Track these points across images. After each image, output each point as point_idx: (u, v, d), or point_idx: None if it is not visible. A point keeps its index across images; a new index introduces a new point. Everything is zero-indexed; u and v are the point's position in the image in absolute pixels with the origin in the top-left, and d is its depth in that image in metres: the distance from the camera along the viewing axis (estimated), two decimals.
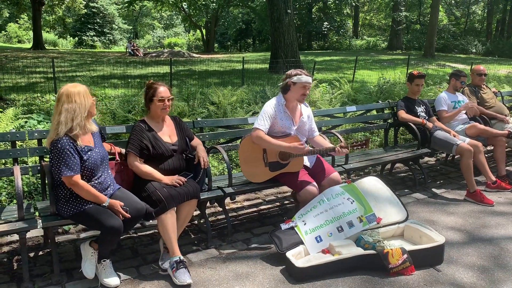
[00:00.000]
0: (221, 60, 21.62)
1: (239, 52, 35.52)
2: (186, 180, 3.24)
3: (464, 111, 5.37)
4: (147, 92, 3.30)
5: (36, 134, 3.29)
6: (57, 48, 34.00)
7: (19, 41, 38.78)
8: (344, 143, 3.58)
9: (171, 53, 23.61)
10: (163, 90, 3.27)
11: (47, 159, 3.40)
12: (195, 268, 3.26)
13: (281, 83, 3.76)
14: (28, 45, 31.68)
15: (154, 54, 23.87)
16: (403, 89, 8.10)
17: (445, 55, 27.83)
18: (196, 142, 3.58)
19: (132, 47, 24.32)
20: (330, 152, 3.62)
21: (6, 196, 4.02)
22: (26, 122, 5.53)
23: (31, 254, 3.33)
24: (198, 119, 4.08)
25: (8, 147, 3.69)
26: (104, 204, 2.83)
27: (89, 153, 2.86)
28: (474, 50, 30.91)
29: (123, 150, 3.33)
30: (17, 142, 3.32)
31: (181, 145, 3.41)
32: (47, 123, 5.71)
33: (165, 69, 15.05)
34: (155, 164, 3.24)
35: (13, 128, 4.77)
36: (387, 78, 9.57)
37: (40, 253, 3.38)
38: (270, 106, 3.68)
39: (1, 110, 5.23)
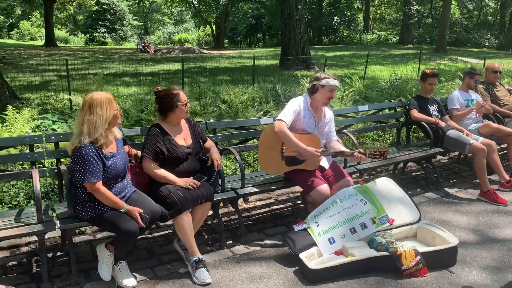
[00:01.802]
0: (231, 56, 21.62)
1: (249, 48, 35.49)
2: (200, 183, 3.28)
3: (475, 108, 5.33)
4: (166, 100, 3.28)
5: (53, 137, 3.35)
6: (68, 45, 34.24)
7: (32, 39, 39.14)
8: (362, 150, 3.61)
9: (182, 50, 23.69)
10: (183, 95, 3.32)
11: (63, 161, 3.48)
12: (209, 269, 3.29)
13: (309, 85, 3.83)
14: (41, 42, 31.97)
15: (165, 51, 23.96)
16: (415, 86, 8.05)
17: (457, 49, 27.50)
18: (210, 143, 3.62)
19: (143, 44, 24.41)
20: (348, 156, 3.65)
21: (24, 196, 4.10)
22: (41, 122, 5.62)
23: (49, 255, 3.40)
24: (211, 120, 4.12)
25: (26, 149, 3.75)
26: (121, 210, 2.89)
27: (112, 159, 2.91)
28: (487, 44, 30.49)
29: (139, 153, 3.38)
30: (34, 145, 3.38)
31: (196, 147, 3.45)
32: (61, 123, 5.80)
33: (176, 66, 15.11)
34: (170, 167, 3.28)
35: (30, 129, 4.86)
36: (398, 75, 9.50)
37: (58, 253, 3.46)
38: (296, 102, 3.74)
39: (17, 110, 5.31)
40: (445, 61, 18.11)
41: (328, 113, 3.93)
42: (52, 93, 8.98)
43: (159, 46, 30.11)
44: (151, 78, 11.67)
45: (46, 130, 5.39)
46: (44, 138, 3.35)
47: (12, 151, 3.96)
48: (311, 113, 3.77)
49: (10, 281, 3.03)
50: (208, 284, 3.07)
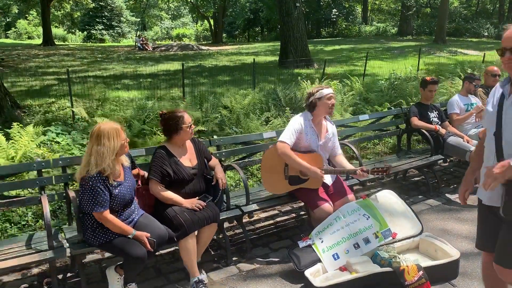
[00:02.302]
0: (230, 52, 21.61)
1: (247, 42, 35.38)
2: (206, 204, 3.35)
3: (475, 113, 5.38)
4: (171, 123, 3.34)
5: (60, 162, 3.41)
6: (66, 43, 34.20)
7: (29, 37, 39.06)
8: (365, 168, 3.66)
9: (180, 47, 23.65)
10: (187, 117, 3.37)
11: (71, 185, 3.53)
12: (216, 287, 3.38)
13: (306, 103, 3.87)
14: (38, 41, 31.92)
15: (163, 48, 23.92)
16: (415, 88, 8.09)
17: (457, 39, 27.45)
18: (214, 162, 3.68)
19: (141, 42, 24.35)
20: (351, 173, 3.71)
21: (32, 215, 4.17)
22: (45, 135, 5.67)
23: (60, 276, 3.47)
24: (215, 137, 4.16)
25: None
26: (129, 236, 2.95)
27: (119, 188, 2.97)
28: (486, 34, 30.40)
29: (146, 174, 3.43)
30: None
31: (201, 167, 3.51)
32: (65, 135, 5.86)
33: (175, 65, 15.13)
34: (176, 189, 3.34)
35: (36, 145, 4.92)
36: (398, 74, 9.54)
37: (68, 274, 3.52)
38: (297, 122, 3.78)
39: (21, 125, 5.36)
40: (444, 54, 18.11)
41: (330, 128, 3.97)
42: (54, 99, 9.02)
43: (157, 43, 30.06)
44: (151, 80, 11.70)
45: (51, 144, 5.45)
46: (51, 163, 3.40)
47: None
48: (313, 130, 3.82)
49: None
50: None
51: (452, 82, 8.74)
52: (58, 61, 16.97)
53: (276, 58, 16.01)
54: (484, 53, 13.09)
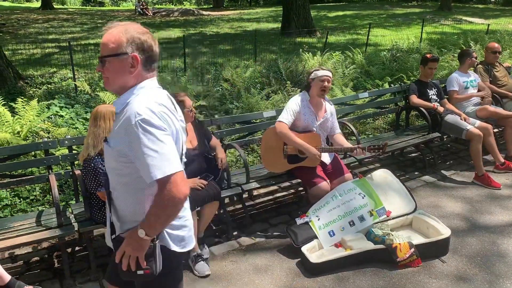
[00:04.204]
0: (231, 18, 21.28)
1: (249, 7, 34.67)
2: (207, 183, 3.48)
3: (477, 96, 5.45)
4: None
5: (66, 142, 3.52)
6: (65, 6, 33.59)
7: (27, 0, 38.30)
8: (362, 146, 3.76)
9: (181, 12, 23.28)
10: (188, 101, 3.45)
11: (77, 164, 3.66)
12: (217, 261, 3.56)
13: (305, 83, 3.95)
14: (37, 4, 31.34)
15: (164, 13, 23.54)
16: (417, 61, 8.07)
17: (463, 5, 26.92)
18: (215, 142, 3.78)
19: (141, 6, 23.94)
20: (349, 152, 3.82)
21: (40, 191, 4.32)
22: (48, 108, 5.76)
23: (69, 250, 3.65)
24: (216, 117, 4.25)
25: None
26: None
27: None
28: (492, 0, 29.76)
29: None
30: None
31: (201, 147, 3.61)
32: (68, 109, 5.95)
33: (176, 32, 15.00)
34: None
35: (41, 121, 5.02)
36: (400, 45, 9.48)
37: (77, 248, 3.70)
38: (295, 102, 3.88)
39: (26, 99, 5.44)
40: (449, 22, 17.85)
41: (329, 108, 4.05)
42: (55, 69, 9.04)
43: (157, 7, 29.53)
44: None
45: (55, 118, 5.54)
46: (58, 143, 3.51)
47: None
48: (311, 110, 3.90)
49: (35, 278, 3.29)
50: (208, 275, 3.35)
51: (453, 55, 8.71)
52: (58, 27, 16.80)
53: (278, 25, 15.81)
54: (489, 24, 12.91)
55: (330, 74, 3.88)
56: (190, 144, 3.55)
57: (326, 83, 3.84)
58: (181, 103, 3.41)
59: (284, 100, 6.22)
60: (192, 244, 1.95)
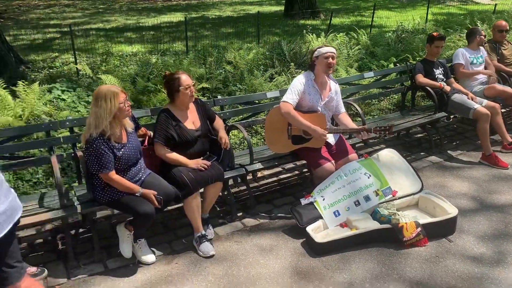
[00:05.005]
0: (234, 2, 21.02)
1: None
2: (210, 163, 3.43)
3: (483, 74, 5.34)
4: (170, 84, 3.39)
5: (67, 123, 3.47)
6: None
7: None
8: (367, 127, 3.70)
9: None
10: (185, 78, 3.38)
11: (78, 145, 3.62)
12: (222, 242, 3.53)
13: (309, 62, 3.89)
14: None
15: None
16: (422, 41, 7.94)
17: None
18: (218, 124, 3.72)
19: None
20: (353, 133, 3.75)
21: (43, 173, 4.30)
22: (50, 92, 5.71)
23: (72, 232, 3.63)
24: (219, 97, 4.19)
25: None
26: (137, 194, 3.06)
27: (122, 150, 3.04)
28: None
29: (152, 134, 3.50)
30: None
31: (204, 128, 3.56)
32: (70, 92, 5.90)
33: (178, 16, 14.83)
34: (181, 150, 3.42)
35: (43, 103, 4.97)
36: (406, 26, 9.33)
37: (80, 230, 3.69)
38: (299, 82, 3.81)
39: (27, 82, 5.39)
40: (455, 3, 17.56)
41: (333, 86, 3.98)
42: (57, 54, 8.97)
43: None
44: (154, 33, 11.52)
45: (57, 101, 5.50)
46: (59, 125, 3.47)
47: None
48: (316, 89, 3.83)
49: (39, 260, 3.28)
50: (212, 256, 3.33)
51: (460, 35, 8.55)
52: (59, 12, 16.66)
53: (282, 8, 15.62)
54: (496, 4, 12.67)
55: (334, 50, 3.80)
56: (193, 125, 3.49)
57: (331, 60, 3.76)
58: (176, 80, 3.35)
59: (287, 82, 6.14)
60: (4, 231, 2.00)
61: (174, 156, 3.37)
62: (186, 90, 3.37)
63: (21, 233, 3.63)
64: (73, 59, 7.44)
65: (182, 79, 3.36)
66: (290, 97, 3.71)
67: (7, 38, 8.21)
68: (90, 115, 2.95)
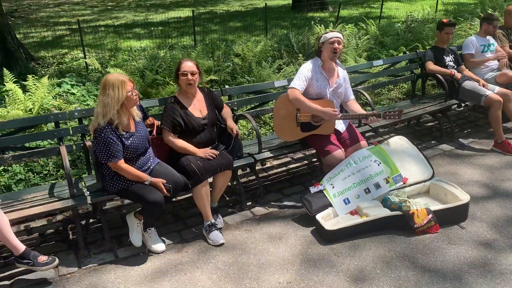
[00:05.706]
0: None
1: None
2: (219, 153, 3.42)
3: (492, 60, 5.25)
4: (175, 70, 3.42)
5: (76, 113, 3.48)
6: None
7: None
8: (376, 112, 3.65)
9: None
10: (185, 65, 3.39)
11: (87, 135, 3.63)
12: (231, 231, 3.53)
13: (316, 49, 3.86)
14: None
15: None
16: (432, 30, 7.83)
17: None
18: (226, 112, 3.71)
19: None
20: (363, 119, 3.71)
21: (53, 165, 4.33)
22: (60, 87, 5.75)
23: (83, 222, 3.65)
24: (226, 87, 4.17)
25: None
26: (146, 183, 3.07)
27: (131, 139, 3.04)
28: None
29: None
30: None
31: (212, 117, 3.55)
32: (80, 86, 5.93)
33: (186, 12, 14.83)
34: (188, 138, 3.42)
35: (53, 97, 5.00)
36: (415, 16, 9.21)
37: (91, 220, 3.71)
38: (307, 68, 3.78)
39: (37, 77, 5.42)
40: None
41: (341, 73, 3.93)
42: (66, 50, 9.03)
43: None
44: (162, 29, 11.54)
45: (67, 95, 5.53)
46: (68, 115, 3.49)
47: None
48: (323, 76, 3.79)
49: (50, 250, 3.31)
50: (222, 244, 3.33)
51: (471, 24, 8.43)
52: (68, 11, 16.78)
53: (289, 1, 15.55)
54: None
55: (340, 35, 3.75)
56: (200, 113, 3.49)
57: (336, 45, 3.71)
58: (178, 65, 3.40)
59: (296, 72, 6.09)
60: None
61: (182, 143, 3.37)
62: (183, 76, 3.38)
63: (33, 224, 3.67)
64: (82, 55, 7.48)
65: (182, 64, 3.38)
66: (298, 83, 3.68)
67: (18, 36, 8.27)
68: (98, 104, 2.95)
